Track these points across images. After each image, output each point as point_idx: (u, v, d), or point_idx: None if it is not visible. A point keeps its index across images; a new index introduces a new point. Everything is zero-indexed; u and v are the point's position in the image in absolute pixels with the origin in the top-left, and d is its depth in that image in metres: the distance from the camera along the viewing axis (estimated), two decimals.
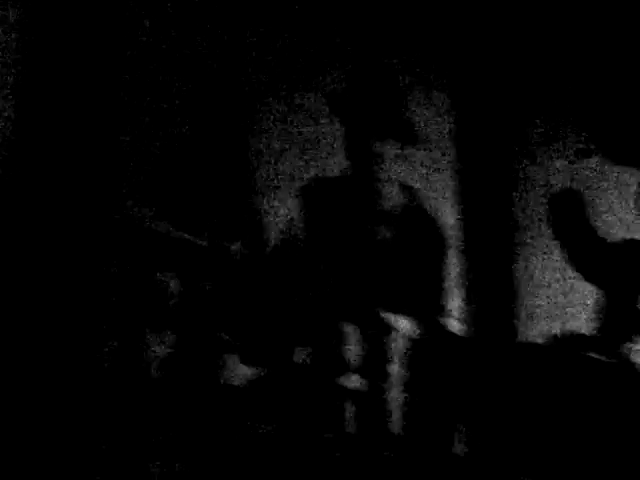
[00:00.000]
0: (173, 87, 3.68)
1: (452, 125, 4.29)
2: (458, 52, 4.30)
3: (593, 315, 4.13)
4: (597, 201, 4.32)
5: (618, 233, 4.26)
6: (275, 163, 3.91)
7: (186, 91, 3.72)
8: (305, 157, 3.92)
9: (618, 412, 3.69)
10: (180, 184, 3.70)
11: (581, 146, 4.36)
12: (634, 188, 4.24)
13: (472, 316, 4.13)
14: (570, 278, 4.29)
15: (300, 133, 3.93)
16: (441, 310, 4.01)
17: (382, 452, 3.57)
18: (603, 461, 3.52)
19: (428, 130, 4.22)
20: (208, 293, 3.50)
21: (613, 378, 3.79)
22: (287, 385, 3.57)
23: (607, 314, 4.08)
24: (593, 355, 3.84)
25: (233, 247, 3.57)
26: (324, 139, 3.95)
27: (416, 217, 4.02)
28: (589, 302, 4.20)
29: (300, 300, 3.62)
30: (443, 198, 4.19)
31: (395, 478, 3.52)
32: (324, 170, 3.93)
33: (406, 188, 4.02)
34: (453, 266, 4.15)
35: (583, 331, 4.10)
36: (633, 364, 3.85)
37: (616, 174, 4.30)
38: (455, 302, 4.11)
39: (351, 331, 3.63)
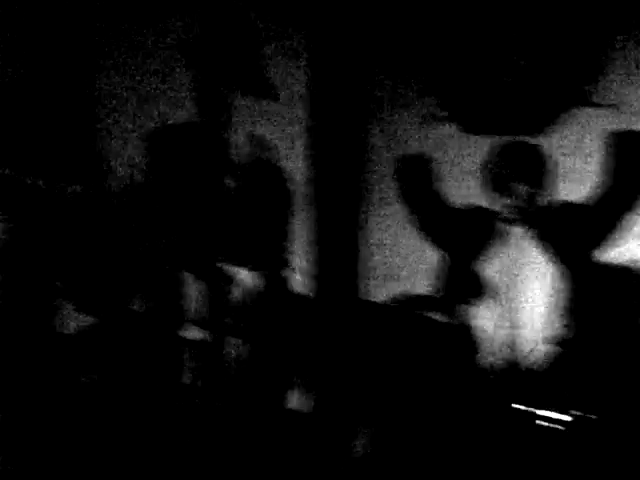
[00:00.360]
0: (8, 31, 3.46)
1: (308, 80, 4.26)
2: (316, 7, 4.26)
3: (434, 277, 4.23)
4: (443, 166, 4.41)
5: (461, 199, 4.36)
6: (121, 107, 3.75)
7: (24, 35, 3.51)
8: (153, 103, 3.79)
9: (452, 369, 3.80)
10: (16, 126, 3.50)
11: (430, 111, 4.43)
12: (481, 156, 4.35)
13: (316, 272, 4.14)
14: (414, 240, 4.37)
15: (148, 78, 3.78)
16: (285, 265, 3.99)
17: (219, 404, 3.53)
18: (438, 413, 3.62)
19: (282, 83, 4.17)
20: (42, 236, 3.33)
21: (449, 338, 3.90)
22: (123, 334, 3.46)
23: (446, 276, 4.19)
24: (431, 315, 3.94)
25: (72, 189, 3.40)
26: (174, 85, 3.83)
27: (265, 170, 3.98)
28: (430, 264, 4.29)
29: (140, 248, 3.50)
30: (294, 153, 4.16)
31: (232, 431, 3.50)
32: (172, 117, 3.82)
33: (256, 140, 3.97)
34: (300, 222, 4.14)
35: (423, 292, 4.19)
36: (467, 325, 3.97)
37: (464, 141, 4.39)
38: (300, 258, 4.11)
39: (192, 282, 3.56)
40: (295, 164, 4.16)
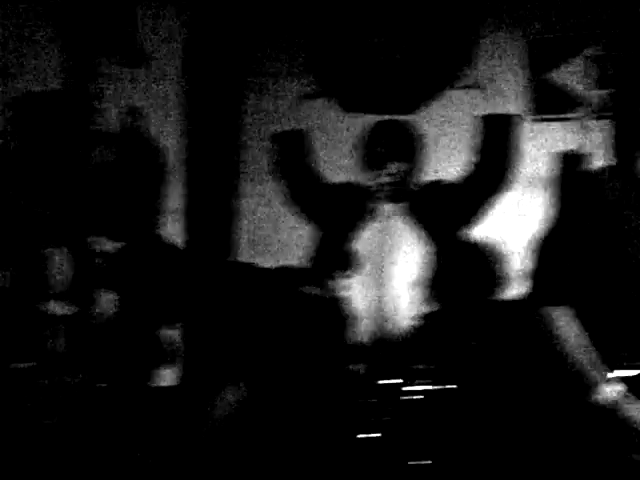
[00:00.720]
0: None
1: (184, 54, 4.19)
2: None
3: (307, 251, 4.27)
4: (319, 143, 4.43)
5: (336, 175, 4.41)
6: None
7: None
8: (18, 67, 3.65)
9: (324, 338, 3.85)
10: None
11: (307, 88, 4.45)
12: (356, 133, 4.40)
13: (189, 242, 4.11)
14: (289, 215, 4.39)
15: (14, 41, 3.64)
16: (157, 235, 3.94)
17: (89, 379, 3.47)
18: (305, 383, 3.66)
19: (159, 56, 4.10)
20: None
21: (321, 309, 3.94)
22: None
23: (319, 250, 4.23)
24: (304, 288, 3.97)
25: None
26: (40, 49, 3.69)
27: (136, 139, 3.90)
28: (304, 238, 4.33)
29: (3, 219, 3.38)
30: (168, 125, 4.10)
31: (100, 403, 3.44)
32: (39, 83, 3.69)
33: (128, 108, 3.88)
34: (172, 193, 4.10)
35: (296, 265, 4.22)
36: (338, 297, 4.02)
37: (340, 118, 4.43)
38: (172, 227, 4.07)
39: (58, 255, 3.46)
40: (169, 136, 4.10)
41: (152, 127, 4.02)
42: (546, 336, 2.08)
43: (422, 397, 3.45)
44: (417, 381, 3.51)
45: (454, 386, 3.34)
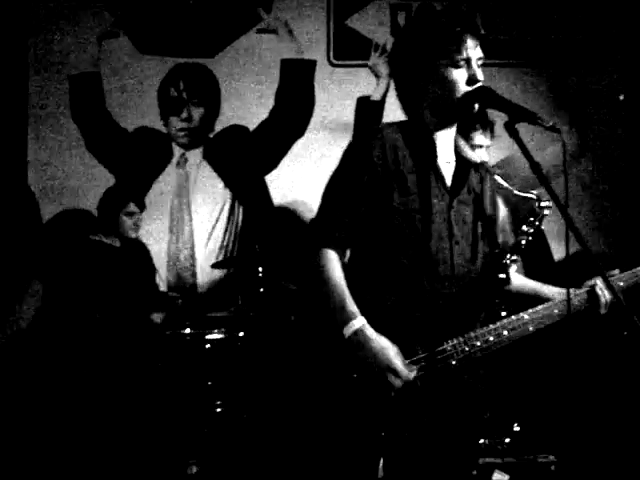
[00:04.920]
0: None
1: None
2: None
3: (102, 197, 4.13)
4: (117, 86, 4.26)
5: (136, 120, 4.26)
6: None
7: None
8: None
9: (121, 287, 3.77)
10: None
11: (105, 29, 4.26)
12: (156, 77, 4.27)
13: None
14: (85, 160, 4.22)
15: None
16: None
17: None
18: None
19: None
20: None
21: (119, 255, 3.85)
22: None
23: (112, 197, 4.09)
24: (96, 236, 3.87)
25: None
26: None
27: None
28: (102, 186, 4.19)
29: None
30: None
31: None
32: None
33: None
34: None
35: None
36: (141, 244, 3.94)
37: (140, 61, 4.27)
38: None
39: None
40: None
41: None
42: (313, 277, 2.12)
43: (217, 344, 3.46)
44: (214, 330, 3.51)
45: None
